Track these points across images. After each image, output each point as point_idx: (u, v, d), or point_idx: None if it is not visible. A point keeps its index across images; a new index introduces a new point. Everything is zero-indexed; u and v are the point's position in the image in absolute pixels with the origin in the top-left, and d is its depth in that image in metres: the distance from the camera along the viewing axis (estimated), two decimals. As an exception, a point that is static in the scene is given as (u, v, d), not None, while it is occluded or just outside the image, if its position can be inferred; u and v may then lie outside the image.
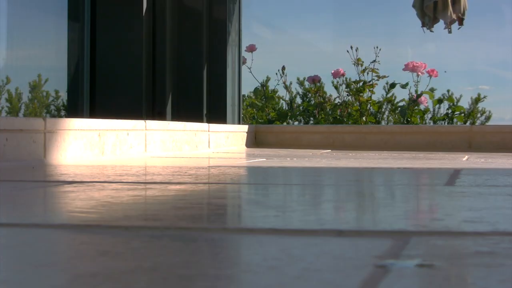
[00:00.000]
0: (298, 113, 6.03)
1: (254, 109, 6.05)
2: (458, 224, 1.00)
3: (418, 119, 5.79)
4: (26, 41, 4.72)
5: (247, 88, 6.15)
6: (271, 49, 6.87)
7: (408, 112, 5.75)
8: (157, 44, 4.62)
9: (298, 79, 6.21)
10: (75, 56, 4.69)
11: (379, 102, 5.86)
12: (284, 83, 6.03)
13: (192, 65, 4.73)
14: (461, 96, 6.14)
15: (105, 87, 4.67)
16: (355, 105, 5.73)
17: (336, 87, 5.95)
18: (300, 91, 6.19)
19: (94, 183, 1.62)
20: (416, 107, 5.79)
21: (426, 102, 5.79)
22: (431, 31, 5.44)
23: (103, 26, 4.56)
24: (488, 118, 6.19)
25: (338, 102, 5.87)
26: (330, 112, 5.88)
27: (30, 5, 4.31)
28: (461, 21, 5.38)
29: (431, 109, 5.98)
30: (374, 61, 5.70)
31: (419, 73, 5.70)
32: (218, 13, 4.89)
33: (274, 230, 0.93)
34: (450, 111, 5.99)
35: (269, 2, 6.57)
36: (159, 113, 4.60)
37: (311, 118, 5.98)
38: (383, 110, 5.93)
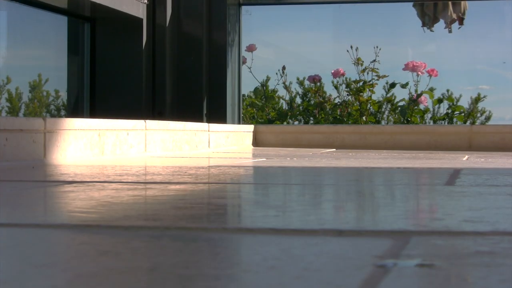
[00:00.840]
0: (298, 113, 6.03)
1: (254, 109, 6.05)
2: (458, 223, 1.00)
3: (418, 119, 5.79)
4: (26, 41, 4.74)
5: (247, 88, 6.16)
6: (271, 48, 6.87)
7: (408, 112, 5.75)
8: (157, 44, 4.62)
9: (298, 79, 6.21)
10: (75, 56, 4.69)
11: (379, 102, 5.86)
12: (284, 83, 6.03)
13: (192, 64, 4.73)
14: (460, 95, 6.14)
15: (105, 87, 4.66)
16: (355, 104, 5.73)
17: (336, 87, 5.95)
18: (300, 91, 6.20)
19: (94, 183, 1.62)
20: (416, 107, 5.79)
21: (426, 101, 5.79)
22: (431, 31, 5.44)
23: (103, 26, 4.56)
24: (488, 118, 6.19)
25: (338, 102, 5.87)
26: (330, 112, 5.88)
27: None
28: (461, 21, 5.38)
29: (431, 109, 5.98)
30: (374, 60, 5.70)
31: (419, 72, 5.70)
32: (218, 13, 4.89)
33: (274, 230, 0.93)
34: (450, 110, 5.99)
35: (269, 2, 6.58)
36: (159, 113, 4.60)
37: (311, 118, 5.98)
38: (383, 110, 5.93)
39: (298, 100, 6.19)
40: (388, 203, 1.32)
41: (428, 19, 5.38)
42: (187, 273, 0.68)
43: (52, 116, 6.97)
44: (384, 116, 5.96)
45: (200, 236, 0.89)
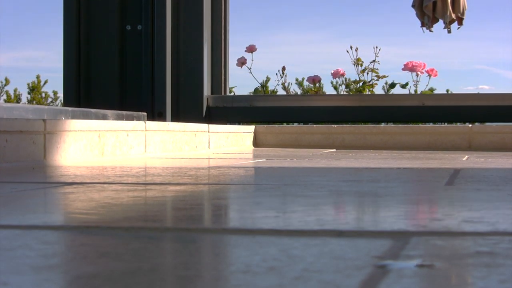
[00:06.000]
0: (298, 113, 6.03)
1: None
2: (458, 224, 1.00)
3: (418, 119, 5.79)
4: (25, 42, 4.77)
5: (247, 89, 6.17)
6: (271, 49, 6.89)
7: (408, 112, 5.74)
8: (156, 45, 4.62)
9: (297, 79, 6.21)
10: (72, 56, 4.68)
11: (379, 102, 5.85)
12: (283, 84, 6.03)
13: (191, 65, 4.73)
14: (460, 95, 6.13)
15: (104, 87, 4.66)
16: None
17: (335, 87, 5.96)
18: (299, 91, 6.19)
19: (94, 184, 1.62)
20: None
21: (425, 102, 5.79)
22: (430, 31, 5.44)
23: (99, 24, 4.56)
24: (488, 118, 6.18)
25: (338, 102, 5.87)
26: (329, 112, 5.88)
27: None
28: (460, 21, 5.38)
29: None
30: (374, 61, 5.70)
31: (419, 72, 5.70)
32: (217, 14, 4.89)
33: (274, 230, 0.93)
34: (449, 111, 5.99)
35: (270, 2, 6.59)
36: (158, 114, 4.60)
37: (311, 119, 5.98)
38: (382, 110, 5.92)
39: (298, 100, 6.17)
40: (388, 203, 1.32)
41: (427, 19, 5.38)
42: (187, 274, 0.68)
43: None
44: (384, 116, 5.96)
45: (200, 237, 0.89)
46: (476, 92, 6.20)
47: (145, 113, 4.32)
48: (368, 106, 4.74)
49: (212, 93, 4.87)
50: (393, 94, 4.74)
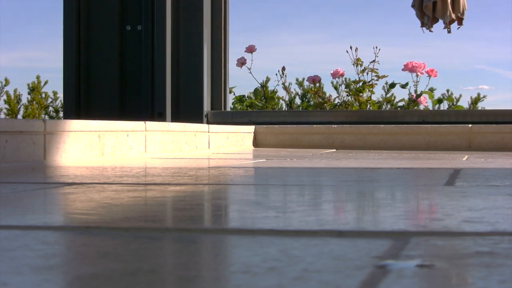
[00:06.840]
0: (297, 113, 6.03)
1: (254, 110, 6.06)
2: (458, 224, 1.00)
3: (418, 119, 5.78)
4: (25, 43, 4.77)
5: (247, 89, 6.18)
6: (271, 49, 6.89)
7: (408, 112, 5.74)
8: (156, 45, 4.62)
9: (297, 79, 6.21)
10: (71, 56, 4.68)
11: (378, 102, 5.86)
12: (283, 84, 6.03)
13: (191, 66, 4.73)
14: (460, 95, 6.15)
15: (104, 87, 4.66)
16: (355, 105, 5.73)
17: (335, 87, 5.95)
18: (299, 91, 6.20)
19: (94, 185, 1.62)
20: (415, 107, 5.79)
21: (425, 102, 5.80)
22: (430, 31, 5.45)
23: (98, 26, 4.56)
24: (488, 118, 6.18)
25: (338, 102, 5.87)
26: (329, 113, 5.88)
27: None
28: (460, 21, 5.38)
29: (431, 109, 5.98)
30: (374, 61, 5.70)
31: (419, 73, 5.70)
32: (217, 13, 4.90)
33: (274, 231, 0.93)
34: (450, 111, 5.99)
35: (269, 2, 6.59)
36: (158, 115, 4.60)
37: (311, 119, 5.97)
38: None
39: (298, 100, 6.19)
40: (388, 203, 1.32)
41: (427, 19, 5.38)
42: (187, 275, 0.68)
43: (51, 117, 6.95)
44: (384, 116, 5.96)
45: (200, 237, 0.89)
46: (476, 92, 6.21)
47: None
48: (368, 121, 4.74)
49: (212, 94, 4.87)
50: (393, 110, 4.75)
